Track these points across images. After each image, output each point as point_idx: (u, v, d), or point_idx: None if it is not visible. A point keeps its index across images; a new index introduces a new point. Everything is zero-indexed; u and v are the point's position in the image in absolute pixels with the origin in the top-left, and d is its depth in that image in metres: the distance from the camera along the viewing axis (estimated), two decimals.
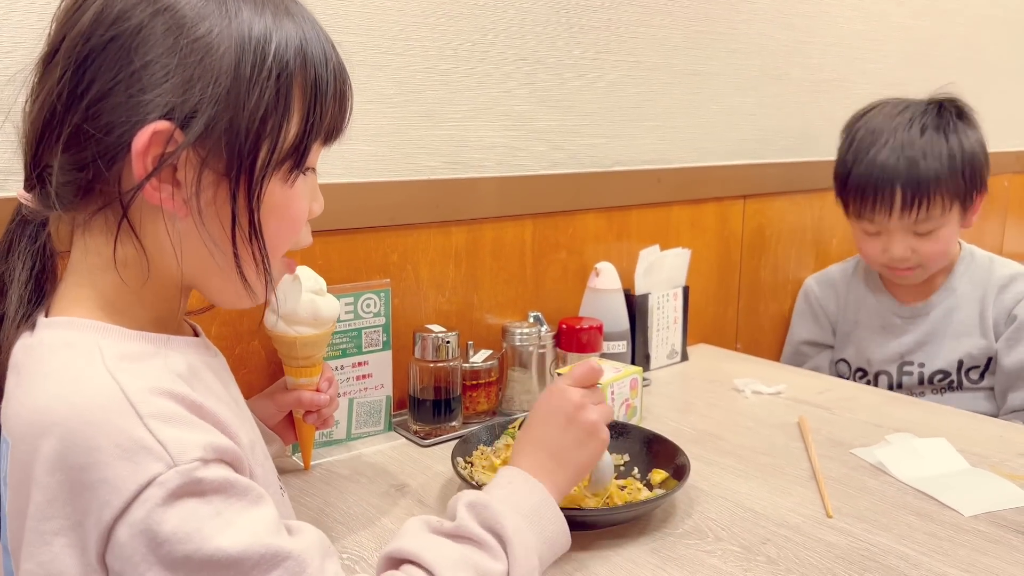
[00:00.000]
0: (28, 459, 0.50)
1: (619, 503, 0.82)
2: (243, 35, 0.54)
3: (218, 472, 0.51)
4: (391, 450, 1.01)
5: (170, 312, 0.61)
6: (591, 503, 0.82)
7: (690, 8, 1.39)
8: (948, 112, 1.35)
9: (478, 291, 1.20)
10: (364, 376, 1.03)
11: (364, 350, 1.03)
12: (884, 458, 0.96)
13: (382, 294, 1.03)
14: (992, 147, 1.40)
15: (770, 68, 1.55)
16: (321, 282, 0.86)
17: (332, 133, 0.62)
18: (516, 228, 1.22)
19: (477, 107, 1.16)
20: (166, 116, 0.53)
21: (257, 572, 0.50)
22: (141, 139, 0.52)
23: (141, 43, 0.53)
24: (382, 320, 1.03)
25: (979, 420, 1.13)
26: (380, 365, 1.04)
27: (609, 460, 0.82)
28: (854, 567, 0.75)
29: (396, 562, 0.62)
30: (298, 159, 0.59)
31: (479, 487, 0.76)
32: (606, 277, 1.25)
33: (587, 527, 0.80)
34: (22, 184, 0.59)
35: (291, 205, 0.60)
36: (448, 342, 1.03)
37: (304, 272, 0.85)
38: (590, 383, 0.78)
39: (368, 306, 1.02)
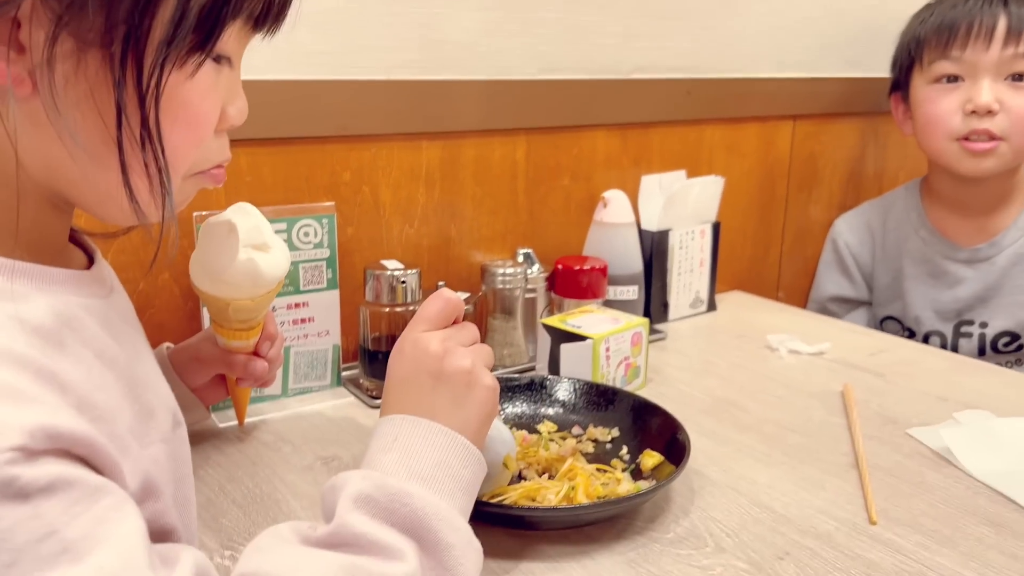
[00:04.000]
0: None
1: (585, 500, 0.63)
2: None
3: (51, 469, 0.35)
4: (333, 411, 0.84)
5: (40, 233, 0.45)
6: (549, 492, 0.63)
7: None
8: None
9: (456, 222, 1.00)
10: (303, 320, 0.85)
11: (302, 289, 0.84)
12: (951, 442, 0.76)
13: (324, 220, 0.84)
14: None
15: None
16: (265, 231, 0.66)
17: (261, 15, 0.46)
18: (506, 146, 1.02)
19: None
20: None
21: None
22: None
23: None
24: (325, 252, 0.84)
25: None
26: (324, 307, 0.86)
27: (506, 438, 0.63)
28: None
29: None
30: (202, 37, 0.42)
31: None
32: (616, 208, 1.04)
33: (545, 527, 0.61)
34: None
35: (190, 103, 0.44)
36: (404, 282, 0.84)
37: (243, 219, 0.64)
38: (448, 321, 0.58)
39: (305, 235, 0.83)
